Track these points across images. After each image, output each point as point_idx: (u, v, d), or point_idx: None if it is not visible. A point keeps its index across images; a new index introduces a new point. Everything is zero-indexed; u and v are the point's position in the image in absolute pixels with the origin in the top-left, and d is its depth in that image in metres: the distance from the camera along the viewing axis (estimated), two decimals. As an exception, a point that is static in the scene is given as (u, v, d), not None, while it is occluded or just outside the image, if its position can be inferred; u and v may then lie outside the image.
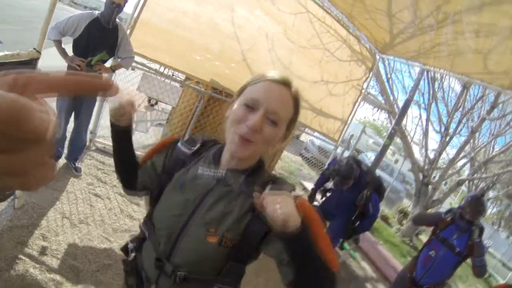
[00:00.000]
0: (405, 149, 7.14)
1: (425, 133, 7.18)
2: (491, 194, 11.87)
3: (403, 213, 8.41)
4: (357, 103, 5.08)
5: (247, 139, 0.76)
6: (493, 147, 8.13)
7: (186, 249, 0.81)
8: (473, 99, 7.12)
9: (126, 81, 3.84)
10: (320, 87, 4.68)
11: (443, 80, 7.07)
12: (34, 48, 2.13)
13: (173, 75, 4.57)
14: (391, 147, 7.03)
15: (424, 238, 7.81)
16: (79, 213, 2.59)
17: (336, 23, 4.36)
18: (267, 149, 0.83)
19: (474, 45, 2.97)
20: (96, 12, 2.82)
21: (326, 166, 4.24)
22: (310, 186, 4.98)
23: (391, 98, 6.65)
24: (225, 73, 3.92)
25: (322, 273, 0.69)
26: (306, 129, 5.16)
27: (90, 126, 3.40)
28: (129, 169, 1.01)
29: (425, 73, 6.33)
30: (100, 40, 2.77)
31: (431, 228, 3.00)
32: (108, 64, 2.99)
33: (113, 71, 3.07)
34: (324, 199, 3.61)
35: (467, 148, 7.36)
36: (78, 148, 3.16)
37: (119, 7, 2.75)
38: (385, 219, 8.16)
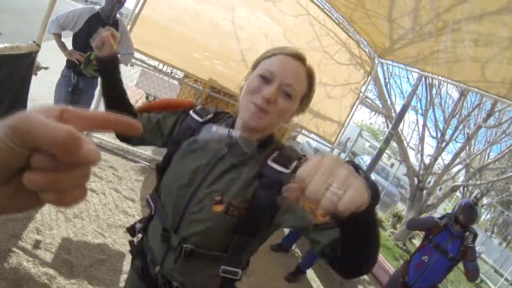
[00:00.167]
0: (401, 153, 7.18)
1: (422, 139, 7.22)
2: (485, 200, 11.99)
3: (397, 217, 8.46)
4: (354, 107, 5.09)
5: (263, 108, 0.76)
6: (488, 155, 8.25)
7: (193, 220, 0.79)
8: (470, 106, 7.18)
9: (125, 77, 3.79)
10: (318, 89, 4.57)
11: (440, 86, 7.12)
12: (34, 41, 2.12)
13: (171, 72, 4.55)
14: (387, 151, 7.05)
15: (417, 242, 7.86)
16: (74, 208, 2.58)
17: (336, 26, 4.37)
18: (280, 122, 0.83)
19: (473, 53, 3.00)
20: (97, 7, 2.82)
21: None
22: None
23: (389, 102, 6.69)
24: (224, 72, 3.91)
25: (378, 241, 0.60)
26: (303, 131, 5.17)
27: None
28: (120, 110, 0.91)
29: (423, 79, 6.36)
30: None
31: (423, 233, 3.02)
32: None
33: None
34: None
35: (463, 154, 7.41)
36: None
37: (120, 3, 2.75)
38: (379, 222, 8.17)
